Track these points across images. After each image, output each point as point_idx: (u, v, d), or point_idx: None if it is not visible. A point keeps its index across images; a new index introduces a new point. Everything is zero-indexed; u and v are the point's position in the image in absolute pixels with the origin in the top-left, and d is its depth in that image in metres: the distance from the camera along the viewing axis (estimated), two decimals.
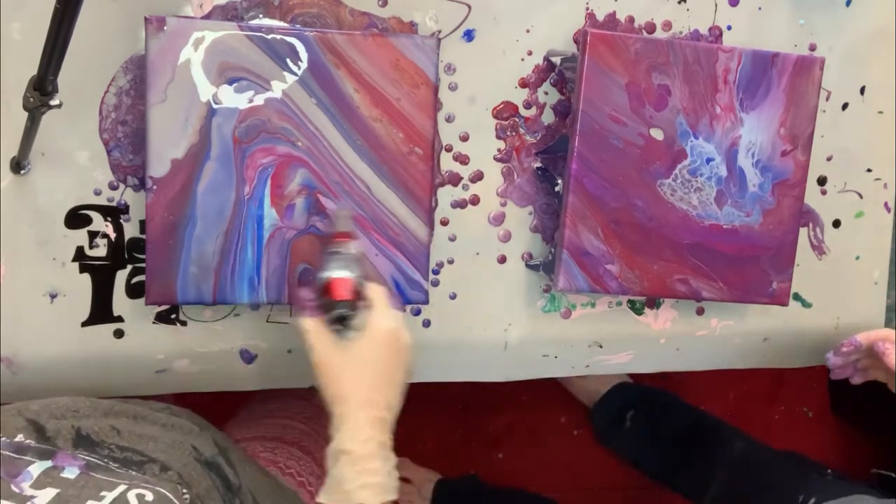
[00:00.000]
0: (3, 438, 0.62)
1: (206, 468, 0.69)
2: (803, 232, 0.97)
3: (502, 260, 0.90)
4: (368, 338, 0.71)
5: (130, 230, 0.82)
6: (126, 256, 0.82)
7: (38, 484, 0.58)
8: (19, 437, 0.63)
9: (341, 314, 0.70)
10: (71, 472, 0.60)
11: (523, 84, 0.88)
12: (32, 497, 0.56)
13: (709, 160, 0.86)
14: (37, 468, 0.60)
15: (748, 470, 1.18)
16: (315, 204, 0.80)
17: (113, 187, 0.81)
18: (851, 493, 1.01)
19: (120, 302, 0.82)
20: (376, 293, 0.73)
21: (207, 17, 0.79)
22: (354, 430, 0.68)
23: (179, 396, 0.90)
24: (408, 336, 0.73)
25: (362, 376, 0.70)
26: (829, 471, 1.10)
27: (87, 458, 0.62)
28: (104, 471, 0.61)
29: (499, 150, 0.88)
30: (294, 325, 0.71)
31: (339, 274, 0.71)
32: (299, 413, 1.00)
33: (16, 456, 0.61)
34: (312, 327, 0.71)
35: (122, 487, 0.58)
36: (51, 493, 0.57)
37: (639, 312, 0.95)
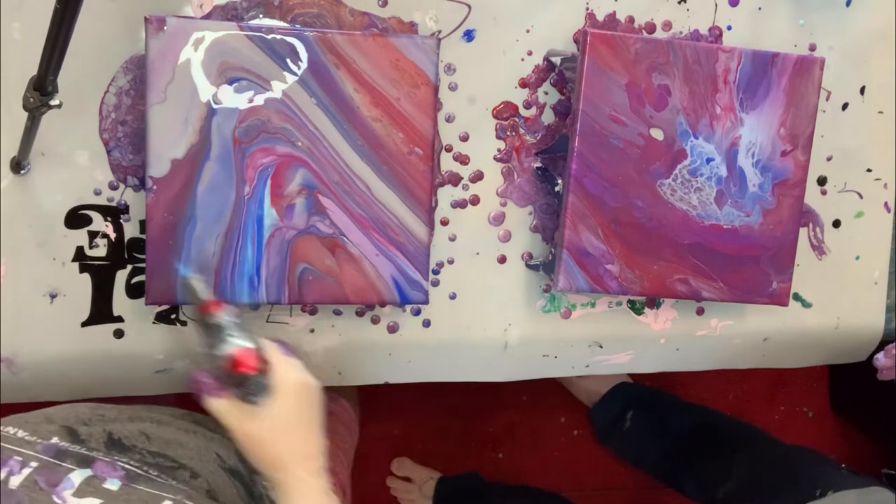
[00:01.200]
0: (40, 442, 0.62)
1: (230, 476, 0.69)
2: (803, 232, 0.97)
3: (502, 260, 0.90)
4: (282, 397, 0.69)
5: (130, 230, 0.82)
6: (126, 256, 0.82)
7: (81, 493, 0.58)
8: (54, 440, 0.63)
9: (255, 385, 0.68)
10: (113, 484, 0.60)
11: (523, 84, 0.88)
12: None
13: (709, 160, 0.86)
14: (78, 476, 0.60)
15: (763, 463, 1.18)
16: (315, 204, 0.80)
17: (113, 187, 0.81)
18: (866, 485, 1.01)
19: (120, 302, 0.82)
20: (271, 350, 0.71)
21: (207, 17, 0.79)
22: (303, 490, 0.68)
23: (183, 400, 0.90)
24: (313, 379, 0.71)
25: (289, 437, 0.69)
26: (842, 466, 1.11)
27: (126, 465, 0.62)
28: (146, 481, 0.61)
29: (499, 150, 0.88)
30: (206, 406, 0.69)
31: (236, 345, 0.69)
32: None
33: (55, 461, 0.61)
34: (225, 408, 0.68)
35: (167, 503, 0.58)
36: (94, 502, 0.57)
37: (639, 312, 0.95)
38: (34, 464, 0.61)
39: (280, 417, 0.68)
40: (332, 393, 1.12)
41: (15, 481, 0.59)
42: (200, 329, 0.71)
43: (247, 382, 0.67)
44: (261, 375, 0.68)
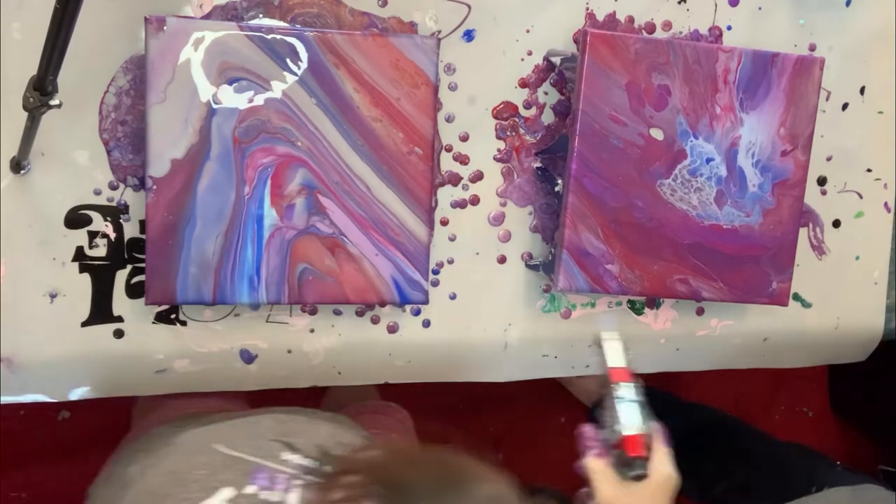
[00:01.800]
0: (282, 459, 0.64)
1: None
2: (803, 232, 0.97)
3: (502, 260, 0.90)
4: (653, 484, 0.74)
5: (130, 230, 0.82)
6: (126, 256, 0.82)
7: None
8: (286, 455, 0.65)
9: (635, 465, 0.74)
10: None
11: (523, 84, 0.88)
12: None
13: (709, 160, 0.86)
14: None
15: (760, 461, 1.18)
16: (315, 204, 0.80)
17: (113, 187, 0.80)
18: (861, 482, 1.01)
19: (120, 302, 0.82)
20: (657, 439, 0.76)
21: (207, 17, 0.79)
22: None
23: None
24: (676, 473, 0.76)
25: None
26: (838, 463, 1.11)
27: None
28: None
29: (499, 150, 0.88)
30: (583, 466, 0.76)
31: (631, 430, 0.74)
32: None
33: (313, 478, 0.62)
34: (600, 469, 0.75)
35: None
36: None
37: (639, 312, 0.95)
38: (299, 482, 0.62)
39: (644, 500, 0.74)
40: (387, 401, 1.11)
41: (292, 500, 0.61)
42: (607, 394, 0.77)
43: (634, 469, 0.74)
44: (643, 461, 0.74)
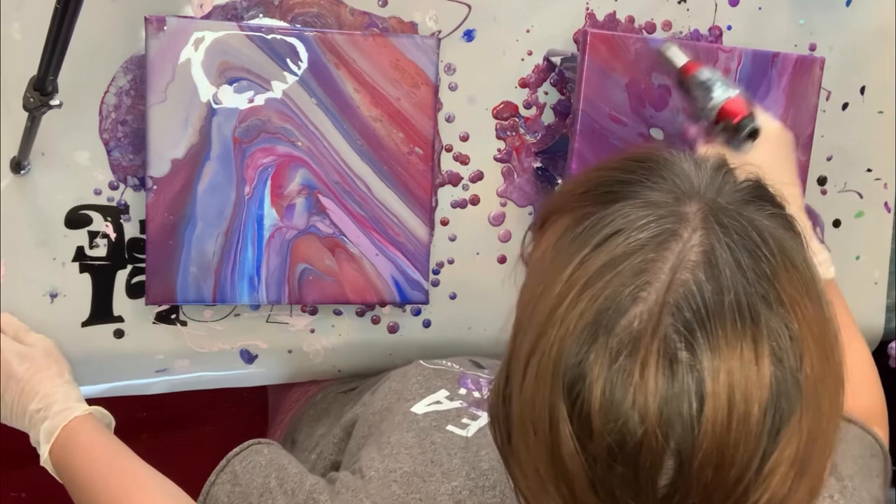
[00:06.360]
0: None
1: None
2: None
3: (502, 260, 0.90)
4: (772, 138, 0.75)
5: (130, 230, 0.82)
6: (126, 256, 0.82)
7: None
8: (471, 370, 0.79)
9: (743, 127, 0.73)
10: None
11: (523, 84, 0.88)
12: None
13: None
14: None
15: None
16: (315, 204, 0.80)
17: (113, 187, 0.80)
18: None
19: (120, 302, 0.82)
20: (750, 99, 0.77)
21: (207, 17, 0.79)
22: None
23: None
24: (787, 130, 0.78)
25: (780, 169, 0.75)
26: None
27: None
28: None
29: (499, 150, 0.88)
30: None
31: (729, 93, 0.75)
32: None
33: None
34: (714, 152, 0.75)
35: None
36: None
37: None
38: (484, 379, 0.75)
39: (771, 156, 0.74)
40: None
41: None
42: (683, 92, 0.79)
43: (735, 127, 0.74)
44: (751, 118, 0.74)
